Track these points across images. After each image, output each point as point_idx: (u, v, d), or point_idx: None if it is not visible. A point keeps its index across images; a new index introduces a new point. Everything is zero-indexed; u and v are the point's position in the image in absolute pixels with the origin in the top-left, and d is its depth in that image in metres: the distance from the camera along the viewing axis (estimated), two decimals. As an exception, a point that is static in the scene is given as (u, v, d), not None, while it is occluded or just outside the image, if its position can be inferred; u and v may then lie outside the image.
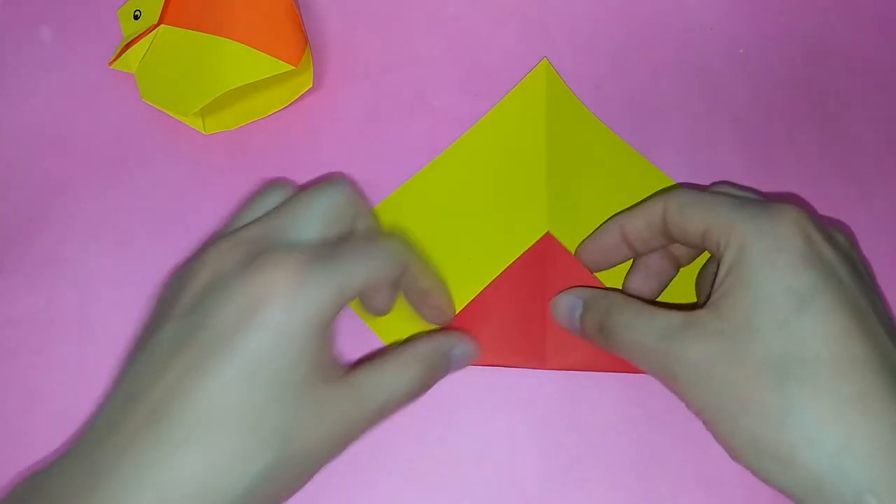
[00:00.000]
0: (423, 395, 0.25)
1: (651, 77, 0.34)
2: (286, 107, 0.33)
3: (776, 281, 0.21)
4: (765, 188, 0.32)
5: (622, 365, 0.26)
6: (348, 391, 0.23)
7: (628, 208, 0.28)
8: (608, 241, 0.28)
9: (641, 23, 0.35)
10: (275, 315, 0.21)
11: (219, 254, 0.23)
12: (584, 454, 0.28)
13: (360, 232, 0.27)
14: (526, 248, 0.31)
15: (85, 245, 0.32)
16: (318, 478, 0.24)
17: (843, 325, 0.21)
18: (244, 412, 0.20)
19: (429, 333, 0.28)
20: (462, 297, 0.30)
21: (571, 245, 0.31)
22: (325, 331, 0.22)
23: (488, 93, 0.34)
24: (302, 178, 0.33)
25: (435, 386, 0.26)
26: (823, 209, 0.32)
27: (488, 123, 0.33)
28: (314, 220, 0.24)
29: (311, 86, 0.33)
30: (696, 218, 0.24)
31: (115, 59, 0.34)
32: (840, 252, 0.23)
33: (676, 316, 0.23)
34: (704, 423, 0.23)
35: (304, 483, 0.23)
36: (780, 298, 0.21)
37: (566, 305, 0.28)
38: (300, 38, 0.32)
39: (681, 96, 0.34)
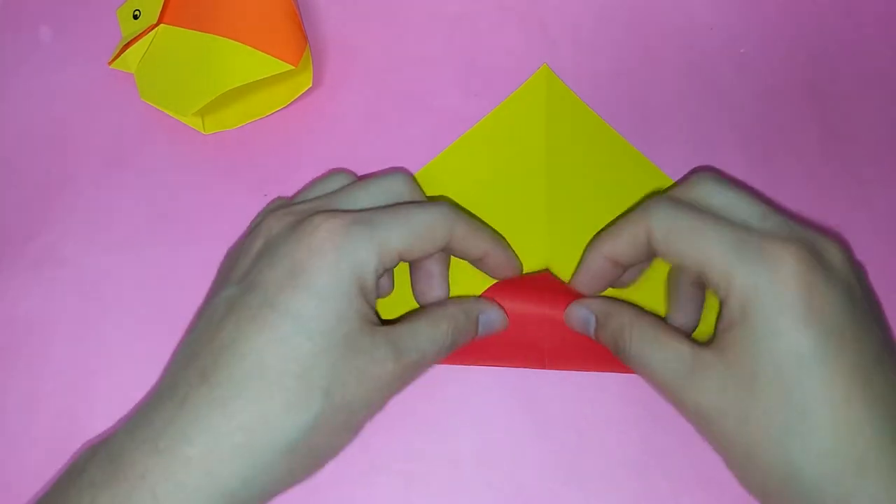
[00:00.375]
0: (452, 351, 0.26)
1: (651, 77, 0.34)
2: (286, 107, 0.33)
3: (780, 343, 0.22)
4: (765, 188, 0.32)
5: (622, 365, 0.26)
6: (386, 348, 0.24)
7: (608, 228, 0.27)
8: (596, 270, 0.28)
9: (642, 23, 0.35)
10: (317, 275, 0.22)
11: (269, 224, 0.25)
12: (584, 454, 0.28)
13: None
14: (527, 253, 0.31)
15: (85, 245, 0.32)
16: (319, 478, 0.24)
17: (844, 389, 0.21)
18: (288, 368, 0.22)
19: (460, 297, 0.29)
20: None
21: (571, 248, 0.31)
22: (367, 288, 0.23)
23: (488, 92, 0.34)
24: (302, 178, 0.33)
25: (435, 385, 0.26)
26: (823, 209, 0.32)
27: (488, 126, 0.33)
28: (367, 199, 0.26)
29: (311, 86, 0.33)
30: (687, 257, 0.24)
31: (114, 59, 0.34)
32: (840, 291, 0.23)
33: (686, 351, 0.24)
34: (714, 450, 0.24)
35: (347, 441, 0.24)
36: (784, 361, 0.22)
37: (580, 318, 0.28)
38: (300, 38, 0.32)
39: (681, 96, 0.34)
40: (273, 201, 0.31)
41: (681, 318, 0.28)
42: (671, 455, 0.28)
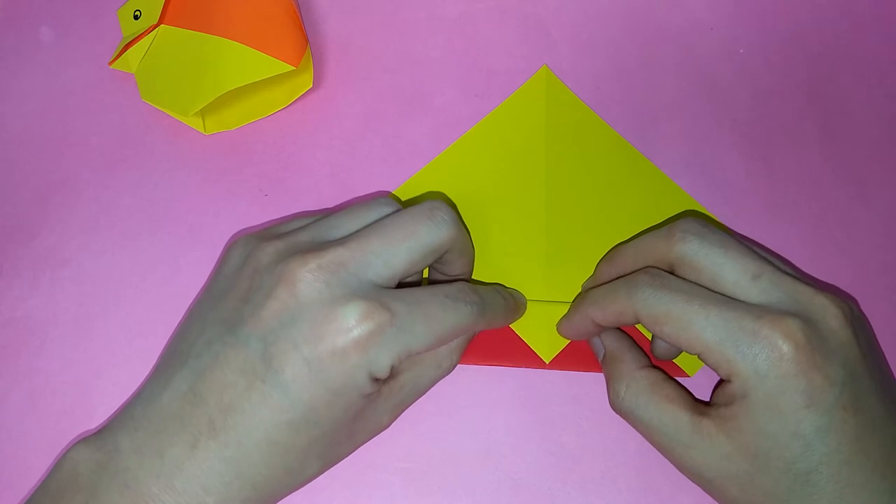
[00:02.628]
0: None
1: (651, 77, 0.34)
2: (286, 107, 0.33)
3: (782, 423, 0.22)
4: (764, 188, 0.32)
5: None
6: (384, 412, 0.25)
7: (599, 292, 0.26)
8: (581, 329, 0.28)
9: (641, 23, 0.35)
10: (336, 375, 0.22)
11: (303, 274, 0.23)
12: (584, 454, 0.28)
13: (449, 276, 0.28)
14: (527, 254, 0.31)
15: (85, 245, 0.32)
16: (318, 478, 0.24)
17: (845, 458, 0.22)
18: (294, 444, 0.23)
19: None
20: None
21: (570, 248, 0.31)
22: (380, 377, 0.23)
23: (488, 93, 0.34)
24: (302, 178, 0.33)
25: (435, 385, 0.27)
26: (823, 209, 0.32)
27: (487, 126, 0.33)
28: (403, 257, 0.24)
29: (311, 86, 0.33)
30: (681, 342, 0.24)
31: (115, 59, 0.34)
32: (841, 364, 0.23)
33: (685, 419, 0.24)
34: None
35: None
36: (787, 440, 0.22)
37: (594, 344, 0.29)
38: (300, 38, 0.32)
39: (681, 96, 0.34)
40: (262, 230, 0.28)
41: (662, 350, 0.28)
42: (671, 455, 0.28)
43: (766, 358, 0.22)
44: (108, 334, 0.31)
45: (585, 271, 0.30)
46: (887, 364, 0.28)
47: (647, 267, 0.26)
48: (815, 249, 0.31)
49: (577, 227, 0.31)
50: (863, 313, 0.27)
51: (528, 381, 0.29)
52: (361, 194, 0.32)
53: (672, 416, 0.24)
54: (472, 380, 0.29)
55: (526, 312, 0.30)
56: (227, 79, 0.31)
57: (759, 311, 0.23)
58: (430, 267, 0.28)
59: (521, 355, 0.29)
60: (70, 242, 0.32)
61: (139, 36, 0.33)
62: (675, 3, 0.36)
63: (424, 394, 0.26)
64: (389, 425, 0.26)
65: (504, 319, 0.28)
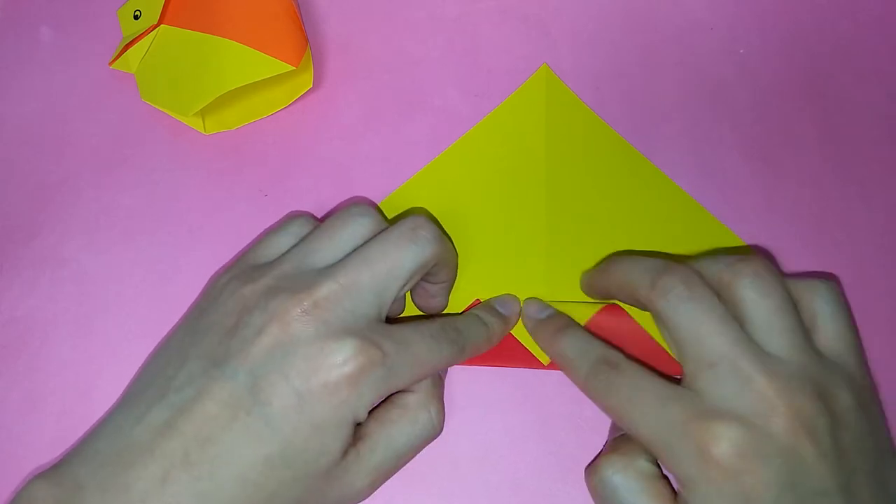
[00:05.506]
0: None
1: (651, 77, 0.34)
2: (286, 107, 0.33)
3: None
4: (765, 188, 0.32)
5: None
6: (361, 475, 0.24)
7: (564, 339, 0.27)
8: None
9: (641, 23, 0.35)
10: (321, 410, 0.22)
11: (297, 314, 0.23)
12: (584, 454, 0.28)
13: (434, 283, 0.28)
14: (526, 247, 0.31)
15: (85, 244, 0.32)
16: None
17: None
18: (265, 485, 0.22)
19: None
20: (462, 298, 0.30)
21: (571, 248, 0.31)
22: (360, 420, 0.23)
23: (488, 93, 0.34)
24: (302, 178, 0.33)
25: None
26: (822, 209, 0.32)
27: (487, 126, 0.33)
28: (393, 288, 0.24)
29: (311, 86, 0.33)
30: (630, 433, 0.24)
31: (115, 59, 0.34)
32: (778, 470, 0.21)
33: None
34: None
35: None
36: None
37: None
38: (300, 38, 0.32)
39: (681, 96, 0.34)
40: (237, 261, 0.27)
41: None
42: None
43: (693, 461, 0.22)
44: (108, 334, 0.31)
45: (584, 270, 0.30)
46: (882, 439, 0.24)
47: (614, 351, 0.26)
48: (815, 249, 0.31)
49: (577, 226, 0.31)
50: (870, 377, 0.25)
51: (528, 382, 0.29)
52: (361, 194, 0.32)
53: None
54: (472, 380, 0.29)
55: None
56: (227, 79, 0.31)
57: (695, 409, 0.22)
58: None
59: (519, 357, 0.29)
60: (70, 242, 0.32)
61: (139, 36, 0.33)
62: (675, 3, 0.36)
63: (409, 457, 0.25)
64: (370, 493, 0.25)
65: (488, 346, 0.28)
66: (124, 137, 0.34)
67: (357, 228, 0.25)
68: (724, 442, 0.21)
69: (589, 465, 0.26)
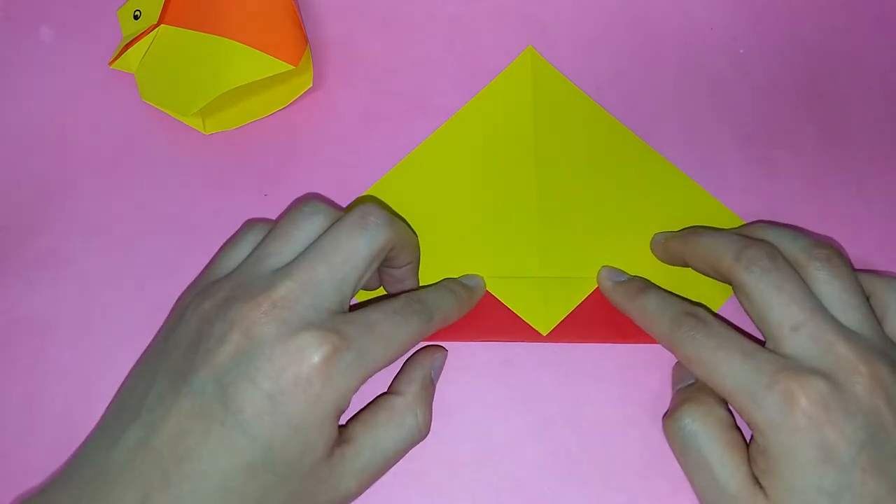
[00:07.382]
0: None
1: (651, 77, 0.34)
2: (286, 107, 0.33)
3: (804, 479, 0.22)
4: (765, 188, 0.32)
5: (619, 336, 0.28)
6: (347, 475, 0.24)
7: (650, 297, 0.28)
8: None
9: (641, 23, 0.35)
10: (296, 407, 0.22)
11: (257, 316, 0.23)
12: (584, 454, 0.28)
13: (398, 267, 0.28)
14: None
15: (85, 245, 0.32)
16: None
17: None
18: (249, 492, 0.22)
19: (406, 370, 0.28)
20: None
21: (563, 222, 0.31)
22: (342, 410, 0.23)
23: (488, 93, 0.34)
24: (302, 178, 0.33)
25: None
26: (823, 209, 0.32)
27: (474, 108, 0.33)
28: (351, 278, 0.24)
29: (311, 86, 0.33)
30: (709, 385, 0.25)
31: (115, 59, 0.34)
32: (859, 425, 0.22)
33: (743, 469, 0.24)
34: None
35: None
36: (813, 496, 0.22)
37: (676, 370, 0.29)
38: (300, 38, 0.32)
39: (680, 96, 0.34)
40: (198, 280, 0.27)
41: None
42: (670, 455, 0.28)
43: (779, 409, 0.22)
44: (108, 334, 0.31)
45: (578, 245, 0.31)
46: None
47: (696, 306, 0.26)
48: (815, 249, 0.31)
49: (568, 201, 0.31)
50: None
51: (529, 382, 0.29)
52: (361, 194, 0.32)
53: (732, 464, 0.24)
54: (472, 380, 0.29)
55: (522, 288, 0.30)
56: (227, 78, 0.31)
57: (783, 363, 0.23)
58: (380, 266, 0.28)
59: (517, 330, 0.29)
60: (70, 242, 0.32)
61: (139, 36, 0.33)
62: (675, 3, 0.36)
63: (396, 459, 0.25)
64: (358, 495, 0.25)
65: (458, 313, 0.28)
66: (124, 137, 0.34)
67: (309, 226, 0.25)
68: (813, 391, 0.22)
69: (666, 414, 0.27)
